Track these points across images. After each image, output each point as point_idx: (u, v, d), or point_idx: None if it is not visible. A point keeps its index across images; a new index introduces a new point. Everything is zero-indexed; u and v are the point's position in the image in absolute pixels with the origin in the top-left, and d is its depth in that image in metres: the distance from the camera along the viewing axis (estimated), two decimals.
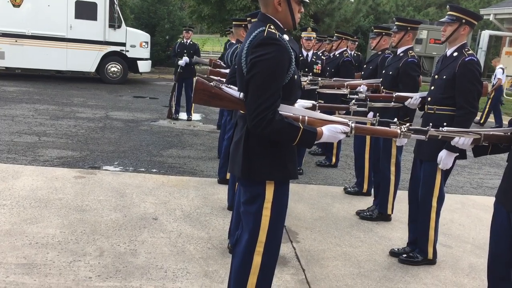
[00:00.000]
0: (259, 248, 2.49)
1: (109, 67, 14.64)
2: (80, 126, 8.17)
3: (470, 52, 3.57)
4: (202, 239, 4.04)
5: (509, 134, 2.78)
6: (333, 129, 2.40)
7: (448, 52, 3.69)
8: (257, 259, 2.50)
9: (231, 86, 2.54)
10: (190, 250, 3.80)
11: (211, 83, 2.40)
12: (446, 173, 3.75)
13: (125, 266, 3.45)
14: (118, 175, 5.59)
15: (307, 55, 6.47)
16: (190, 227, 4.27)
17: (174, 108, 9.63)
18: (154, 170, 5.99)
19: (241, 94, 2.39)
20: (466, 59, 3.52)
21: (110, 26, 14.28)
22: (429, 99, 3.80)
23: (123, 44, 14.60)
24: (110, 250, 3.67)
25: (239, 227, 2.69)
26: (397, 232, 4.59)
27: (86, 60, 14.19)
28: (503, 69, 12.96)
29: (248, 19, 4.88)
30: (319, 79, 5.38)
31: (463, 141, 2.81)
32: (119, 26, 14.47)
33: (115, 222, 4.21)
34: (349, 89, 4.77)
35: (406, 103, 4.07)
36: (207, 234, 4.14)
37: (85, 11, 13.95)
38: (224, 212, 4.67)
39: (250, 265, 2.51)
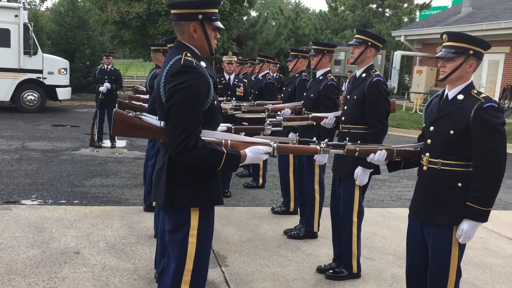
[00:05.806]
0: (186, 277, 2.45)
1: (25, 95, 13.97)
2: None
3: (377, 73, 3.79)
4: (127, 270, 3.91)
5: (418, 149, 2.96)
6: (256, 151, 2.45)
7: (358, 73, 3.90)
8: None
9: (150, 115, 2.50)
10: (115, 283, 3.66)
11: (130, 114, 2.35)
12: (363, 189, 3.91)
13: None
14: (36, 209, 5.30)
15: (229, 78, 6.55)
16: (115, 258, 4.12)
17: (96, 135, 9.33)
18: (76, 202, 5.74)
19: (162, 122, 2.37)
20: (374, 79, 3.73)
21: (25, 53, 13.71)
22: (343, 118, 3.98)
23: (40, 71, 14.04)
24: None
25: (164, 256, 2.63)
26: (323, 249, 4.69)
27: None
28: None
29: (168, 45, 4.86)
30: (243, 104, 5.44)
31: (377, 156, 2.97)
32: (35, 53, 13.93)
33: (32, 259, 3.97)
34: (267, 112, 4.90)
35: (322, 123, 4.23)
36: (133, 265, 4.01)
37: None
38: (151, 240, 4.56)
39: None
